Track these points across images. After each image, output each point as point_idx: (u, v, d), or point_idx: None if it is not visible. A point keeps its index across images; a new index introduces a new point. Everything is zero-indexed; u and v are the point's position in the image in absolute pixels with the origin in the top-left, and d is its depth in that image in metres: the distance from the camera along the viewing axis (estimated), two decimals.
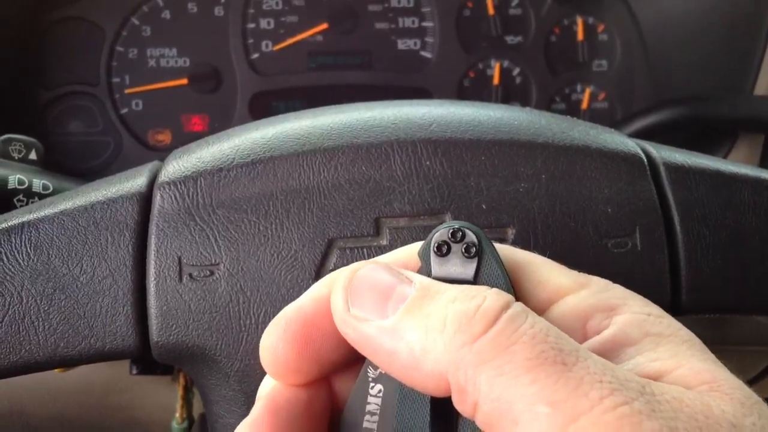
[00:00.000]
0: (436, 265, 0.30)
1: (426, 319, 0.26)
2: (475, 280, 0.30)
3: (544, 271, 0.31)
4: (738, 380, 0.26)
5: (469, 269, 0.30)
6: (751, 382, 0.84)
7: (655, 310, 0.29)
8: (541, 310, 0.29)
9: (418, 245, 0.32)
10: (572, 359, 0.24)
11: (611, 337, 0.28)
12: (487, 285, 0.29)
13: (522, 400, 0.23)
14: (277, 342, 0.30)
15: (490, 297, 0.26)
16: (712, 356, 0.28)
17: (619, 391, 0.23)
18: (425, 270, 0.30)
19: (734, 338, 0.74)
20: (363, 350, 0.28)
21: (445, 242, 0.30)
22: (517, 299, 0.28)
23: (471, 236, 0.30)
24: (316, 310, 0.30)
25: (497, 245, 0.31)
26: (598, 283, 0.30)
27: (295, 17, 0.95)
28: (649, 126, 0.80)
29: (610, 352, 0.27)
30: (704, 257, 0.42)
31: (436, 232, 0.31)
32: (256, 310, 0.39)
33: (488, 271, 0.30)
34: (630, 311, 0.29)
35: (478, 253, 0.30)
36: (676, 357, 0.27)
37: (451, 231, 0.30)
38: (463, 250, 0.30)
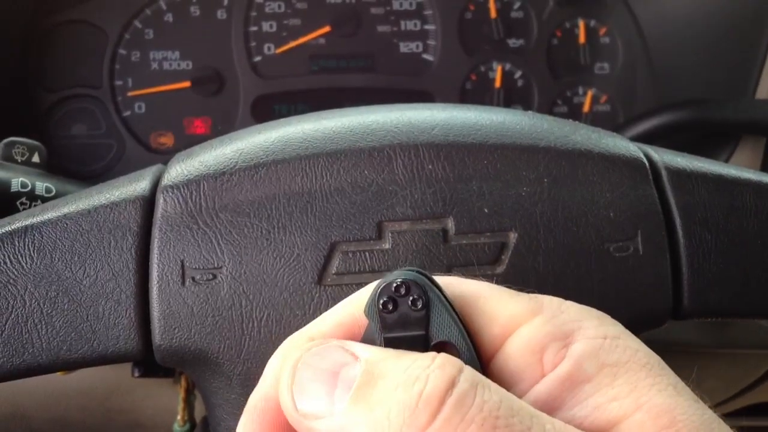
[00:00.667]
0: (385, 323, 0.29)
1: (371, 413, 0.25)
2: (426, 333, 0.29)
3: (494, 303, 0.30)
4: (697, 406, 0.26)
5: (419, 323, 0.29)
6: (752, 386, 0.84)
7: (611, 330, 0.29)
8: (496, 346, 0.29)
9: (362, 296, 0.31)
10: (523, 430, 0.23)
11: (567, 375, 0.27)
12: (440, 336, 0.28)
13: None
14: None
15: (433, 377, 0.25)
16: (672, 378, 0.27)
17: None
18: (373, 330, 0.29)
19: (736, 342, 0.74)
20: None
21: (390, 298, 0.29)
22: (470, 336, 0.28)
23: (416, 289, 0.29)
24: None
25: (444, 280, 0.31)
26: (550, 305, 0.30)
27: (298, 20, 0.95)
28: (651, 129, 0.80)
29: (567, 392, 0.27)
30: (706, 261, 0.42)
31: (381, 287, 0.30)
32: (259, 313, 0.40)
33: (439, 322, 0.29)
34: (585, 337, 0.28)
35: (425, 305, 0.29)
36: (635, 391, 0.26)
37: (394, 286, 0.29)
38: (410, 304, 0.29)
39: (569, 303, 0.30)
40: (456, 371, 0.25)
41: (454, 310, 0.30)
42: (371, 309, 0.30)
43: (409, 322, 0.29)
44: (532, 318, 0.29)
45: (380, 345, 0.29)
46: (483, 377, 0.25)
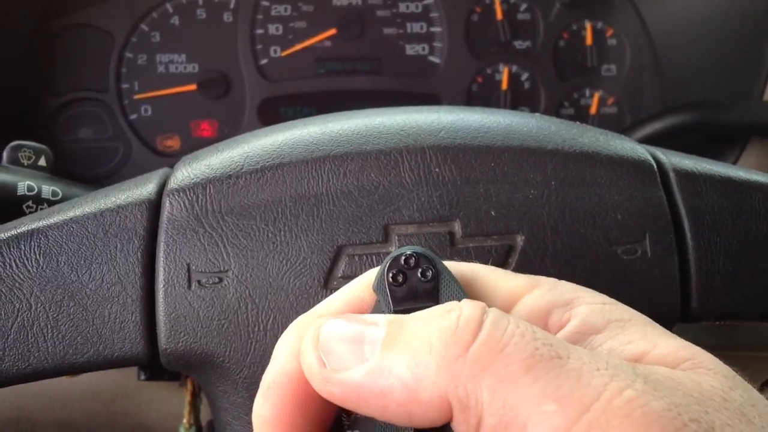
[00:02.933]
0: (395, 296, 0.29)
1: (409, 346, 0.25)
2: (437, 304, 0.28)
3: (493, 278, 0.30)
4: (712, 355, 0.26)
5: (428, 295, 0.29)
6: (761, 388, 0.84)
7: (608, 299, 0.29)
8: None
9: (368, 278, 0.31)
10: (565, 352, 0.24)
11: (576, 329, 0.28)
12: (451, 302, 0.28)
13: (527, 402, 0.23)
14: (276, 412, 0.29)
15: (467, 306, 0.25)
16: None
17: (617, 375, 0.23)
18: (384, 303, 0.29)
19: (743, 344, 0.74)
20: (352, 404, 0.26)
21: (400, 271, 0.29)
22: None
23: (425, 261, 0.29)
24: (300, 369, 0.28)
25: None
26: (547, 281, 0.30)
27: (304, 23, 0.96)
28: (659, 131, 0.80)
29: (579, 343, 0.27)
30: (714, 264, 0.42)
31: (390, 260, 0.30)
32: (265, 317, 0.39)
33: (448, 290, 0.29)
34: (585, 302, 0.29)
35: (435, 276, 0.29)
36: (646, 337, 0.27)
37: (404, 258, 0.29)
38: (420, 275, 0.29)
39: (564, 281, 0.30)
40: (484, 305, 0.25)
41: (459, 281, 0.30)
42: (380, 283, 0.30)
43: (419, 294, 0.29)
44: (532, 290, 0.29)
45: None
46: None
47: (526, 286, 0.30)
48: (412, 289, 0.29)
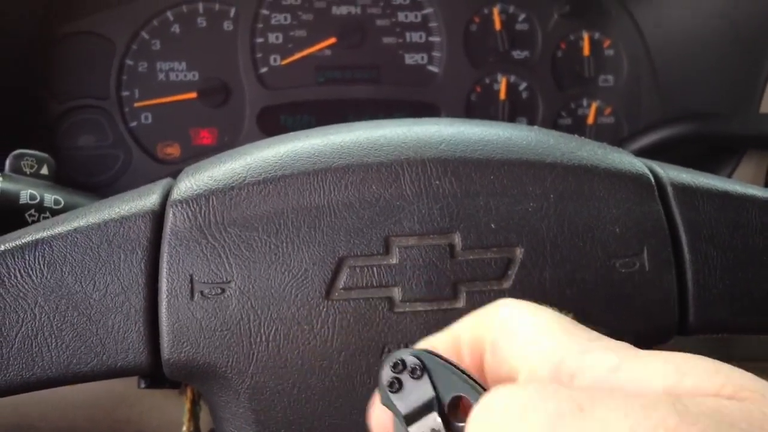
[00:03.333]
0: (400, 403, 0.30)
1: None
2: (437, 395, 0.29)
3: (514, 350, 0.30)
4: (743, 371, 0.26)
5: (426, 390, 0.30)
6: None
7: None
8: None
9: (477, 319, 0.31)
10: (589, 403, 0.24)
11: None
12: (450, 394, 0.29)
13: None
14: None
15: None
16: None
17: (649, 416, 0.23)
18: (397, 415, 0.30)
19: (740, 357, 0.74)
20: None
21: (393, 378, 0.30)
22: (484, 385, 0.29)
23: (410, 359, 0.30)
24: None
25: (515, 308, 0.31)
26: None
27: (304, 32, 0.96)
28: (656, 142, 0.80)
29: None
30: (712, 277, 0.43)
31: (381, 375, 0.30)
32: (267, 327, 0.40)
33: (444, 382, 0.30)
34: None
35: (423, 368, 0.30)
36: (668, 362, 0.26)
37: (391, 365, 0.30)
38: (410, 375, 0.30)
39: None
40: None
41: (457, 367, 0.30)
42: (386, 398, 0.30)
43: (419, 393, 0.30)
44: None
45: (404, 428, 0.30)
46: None
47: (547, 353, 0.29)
48: (409, 392, 0.30)
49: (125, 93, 0.94)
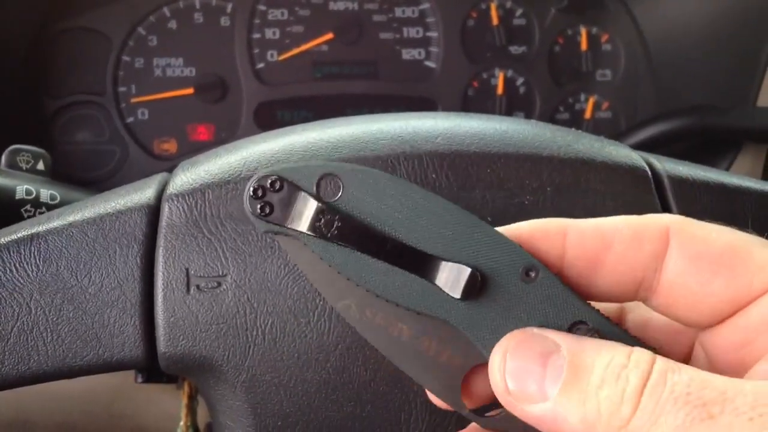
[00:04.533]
0: (279, 217, 0.32)
1: (583, 406, 0.27)
2: (302, 188, 0.32)
3: (758, 253, 0.30)
4: None
5: (292, 191, 0.32)
6: None
7: None
8: (764, 291, 0.29)
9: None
10: (718, 408, 0.25)
11: None
12: (313, 178, 0.31)
13: None
14: None
15: (632, 376, 0.27)
16: None
17: None
18: (279, 228, 0.32)
19: None
20: (529, 423, 0.29)
21: (261, 205, 0.32)
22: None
23: (264, 180, 0.32)
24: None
25: (709, 227, 0.31)
26: None
27: (301, 27, 0.96)
28: (653, 136, 0.80)
29: None
30: None
31: (248, 210, 0.32)
32: (263, 321, 0.40)
33: (300, 176, 0.32)
34: None
35: (280, 179, 0.32)
36: None
37: (251, 195, 0.32)
38: (272, 191, 0.32)
39: None
40: (649, 364, 0.27)
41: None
42: (263, 226, 0.33)
43: (288, 198, 0.32)
44: None
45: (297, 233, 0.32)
46: (674, 363, 0.27)
47: None
48: (284, 206, 0.32)
49: (122, 89, 0.94)
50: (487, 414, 0.32)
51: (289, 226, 0.32)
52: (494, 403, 0.31)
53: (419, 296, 0.31)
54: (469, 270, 0.30)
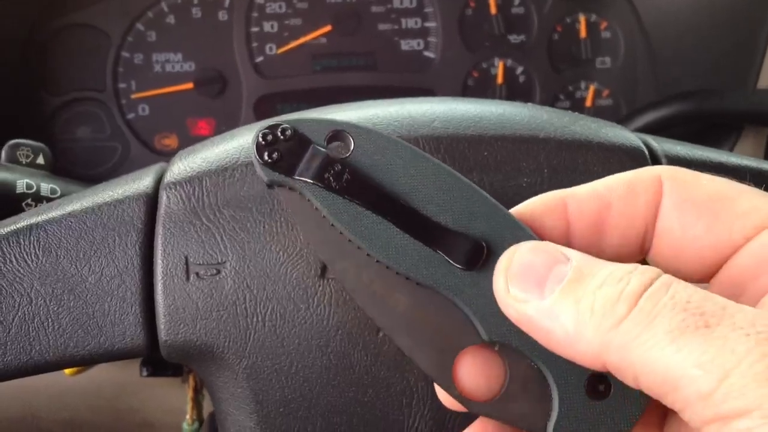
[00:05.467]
0: (292, 167, 0.31)
1: (578, 304, 0.27)
2: (312, 142, 0.31)
3: (753, 199, 0.30)
4: None
5: (302, 141, 0.31)
6: None
7: None
8: (745, 239, 0.29)
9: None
10: (715, 320, 0.24)
11: None
12: (324, 131, 0.31)
13: (674, 367, 0.24)
14: None
15: (634, 279, 0.27)
16: None
17: None
18: (287, 180, 0.31)
19: None
20: (522, 327, 0.29)
21: (270, 153, 0.31)
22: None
23: (276, 127, 0.31)
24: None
25: (697, 176, 0.31)
26: None
27: (299, 20, 0.96)
28: (654, 121, 0.80)
29: None
30: None
31: (258, 157, 0.31)
32: (263, 307, 0.40)
33: (312, 129, 0.31)
34: None
35: (291, 129, 0.31)
36: None
37: (261, 140, 0.31)
38: (282, 138, 0.31)
39: None
40: (655, 275, 0.27)
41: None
42: (276, 177, 0.32)
43: (299, 148, 0.31)
44: None
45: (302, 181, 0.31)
46: (681, 281, 0.26)
47: None
48: (294, 156, 0.31)
49: (122, 85, 0.94)
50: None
51: (295, 177, 0.31)
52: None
53: (422, 264, 0.30)
54: (474, 240, 0.30)
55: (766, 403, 0.23)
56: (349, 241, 0.31)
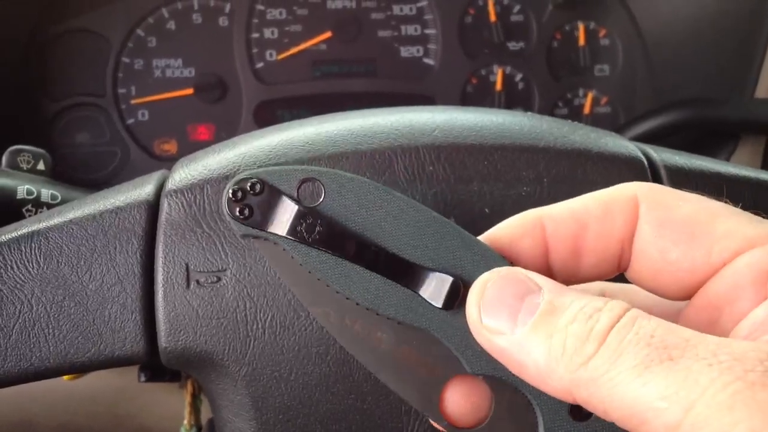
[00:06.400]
0: (258, 221, 0.32)
1: (549, 340, 0.27)
2: (282, 191, 0.31)
3: (731, 222, 0.30)
4: None
5: (272, 194, 0.31)
6: None
7: None
8: (723, 262, 0.29)
9: (607, 191, 0.32)
10: (678, 352, 0.25)
11: None
12: (295, 181, 0.31)
13: (641, 400, 0.25)
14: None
15: (603, 316, 0.27)
16: None
17: (731, 369, 0.24)
18: (262, 233, 0.32)
19: None
20: (496, 357, 0.29)
21: (240, 208, 0.31)
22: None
23: (244, 184, 0.32)
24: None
25: (683, 195, 0.31)
26: None
27: (299, 26, 0.96)
28: (652, 129, 0.80)
29: None
30: None
31: (227, 212, 0.32)
32: (263, 315, 0.40)
33: (280, 178, 0.31)
34: None
35: (260, 182, 0.31)
36: None
37: (230, 197, 0.32)
38: (252, 193, 0.31)
39: None
40: (622, 311, 0.27)
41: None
42: (244, 229, 0.32)
43: (269, 202, 0.32)
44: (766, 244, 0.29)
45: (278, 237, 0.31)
46: (647, 314, 0.27)
47: (763, 237, 0.29)
48: (263, 210, 0.31)
49: (122, 90, 0.94)
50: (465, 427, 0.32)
51: (268, 230, 0.31)
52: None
53: (400, 305, 0.30)
54: (451, 279, 0.30)
55: (731, 431, 0.23)
56: (328, 286, 0.31)
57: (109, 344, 0.40)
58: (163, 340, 0.40)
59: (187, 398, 0.68)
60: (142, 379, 0.67)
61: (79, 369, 0.41)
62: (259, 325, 0.40)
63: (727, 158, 0.84)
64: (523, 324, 0.28)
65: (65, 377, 0.63)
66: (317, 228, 0.31)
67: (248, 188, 0.31)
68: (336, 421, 0.41)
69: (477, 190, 0.41)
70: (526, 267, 0.30)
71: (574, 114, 0.98)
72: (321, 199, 0.31)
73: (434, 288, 0.30)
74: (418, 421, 0.41)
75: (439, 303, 0.30)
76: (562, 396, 0.27)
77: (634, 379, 0.25)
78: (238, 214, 0.31)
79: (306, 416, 0.41)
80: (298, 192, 0.31)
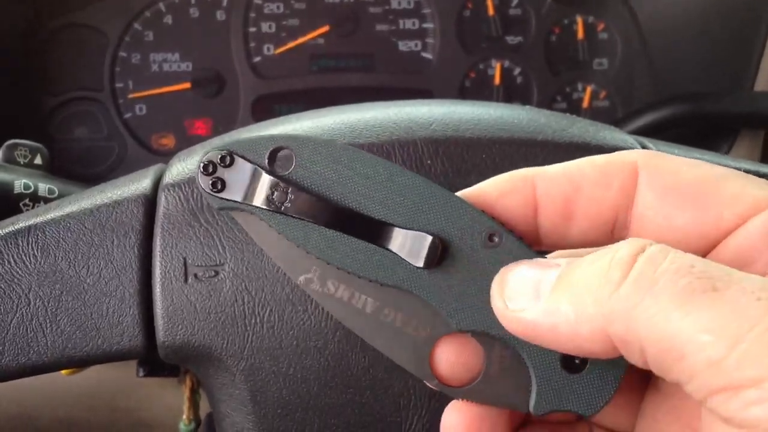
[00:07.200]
0: (233, 194, 0.31)
1: (573, 287, 0.26)
2: (254, 163, 0.31)
3: (738, 184, 0.29)
4: None
5: (243, 167, 0.31)
6: None
7: None
8: (736, 224, 0.28)
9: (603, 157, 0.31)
10: (723, 284, 0.23)
11: None
12: (265, 150, 0.31)
13: (682, 333, 0.23)
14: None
15: (623, 247, 0.26)
16: None
17: None
18: (237, 205, 0.31)
19: None
20: (530, 338, 0.28)
21: (212, 181, 0.31)
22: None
23: (213, 155, 0.31)
24: None
25: (685, 161, 0.30)
26: None
27: (297, 20, 0.96)
28: (650, 123, 0.80)
29: None
30: None
31: (201, 186, 0.31)
32: (261, 308, 0.40)
33: (250, 149, 0.31)
34: None
35: (231, 154, 0.31)
36: None
37: (202, 171, 0.31)
38: (222, 165, 0.31)
39: None
40: (646, 243, 0.26)
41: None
42: (217, 202, 0.32)
43: (241, 173, 0.31)
44: None
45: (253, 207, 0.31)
46: (676, 249, 0.25)
47: None
48: (235, 182, 0.31)
49: (119, 85, 0.94)
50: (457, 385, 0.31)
51: (243, 201, 0.31)
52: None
53: (381, 267, 0.30)
54: (430, 238, 0.29)
55: None
56: (308, 253, 0.31)
57: (107, 339, 0.40)
58: (161, 334, 0.40)
59: (186, 393, 0.68)
60: (141, 373, 0.67)
61: (77, 363, 0.41)
62: (257, 320, 0.40)
63: (726, 152, 0.84)
64: (545, 289, 0.27)
65: (63, 372, 0.63)
66: (289, 196, 0.30)
67: (218, 161, 0.31)
68: (334, 415, 0.41)
69: (475, 184, 0.41)
70: (511, 225, 0.30)
71: (573, 108, 0.98)
72: (292, 167, 0.31)
73: (412, 247, 0.30)
74: (416, 415, 0.41)
75: (419, 262, 0.29)
76: (599, 347, 0.26)
77: (674, 310, 0.23)
78: (211, 187, 0.31)
79: (304, 410, 0.41)
80: (271, 161, 0.31)
